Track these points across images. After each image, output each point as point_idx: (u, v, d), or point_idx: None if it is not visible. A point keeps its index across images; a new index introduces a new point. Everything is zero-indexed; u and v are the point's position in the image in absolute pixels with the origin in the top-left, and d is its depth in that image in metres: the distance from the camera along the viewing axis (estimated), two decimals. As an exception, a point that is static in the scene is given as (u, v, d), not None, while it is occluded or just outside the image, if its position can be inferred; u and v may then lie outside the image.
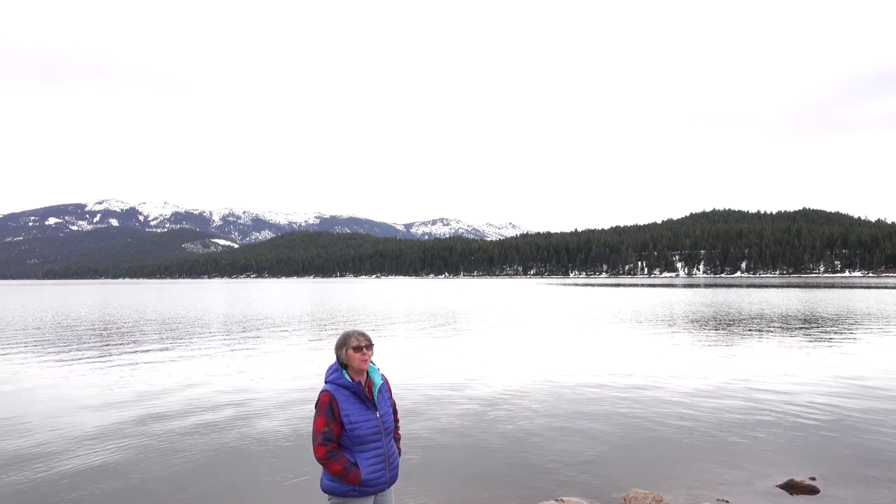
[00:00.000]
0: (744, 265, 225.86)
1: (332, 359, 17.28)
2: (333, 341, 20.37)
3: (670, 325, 25.10)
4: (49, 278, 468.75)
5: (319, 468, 7.17)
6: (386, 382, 4.04)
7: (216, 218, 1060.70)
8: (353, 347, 3.77)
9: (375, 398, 3.86)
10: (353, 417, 3.72)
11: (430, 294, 66.90)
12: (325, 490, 3.82)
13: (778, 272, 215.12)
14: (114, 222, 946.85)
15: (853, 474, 6.84)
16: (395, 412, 4.09)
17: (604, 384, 12.05)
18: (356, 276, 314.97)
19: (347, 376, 3.78)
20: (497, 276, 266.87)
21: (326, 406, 3.67)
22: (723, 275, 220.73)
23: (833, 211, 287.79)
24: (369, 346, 3.82)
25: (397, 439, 4.08)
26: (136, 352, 17.97)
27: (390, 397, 4.05)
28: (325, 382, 3.80)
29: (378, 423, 3.82)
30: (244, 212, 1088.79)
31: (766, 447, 7.86)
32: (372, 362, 3.90)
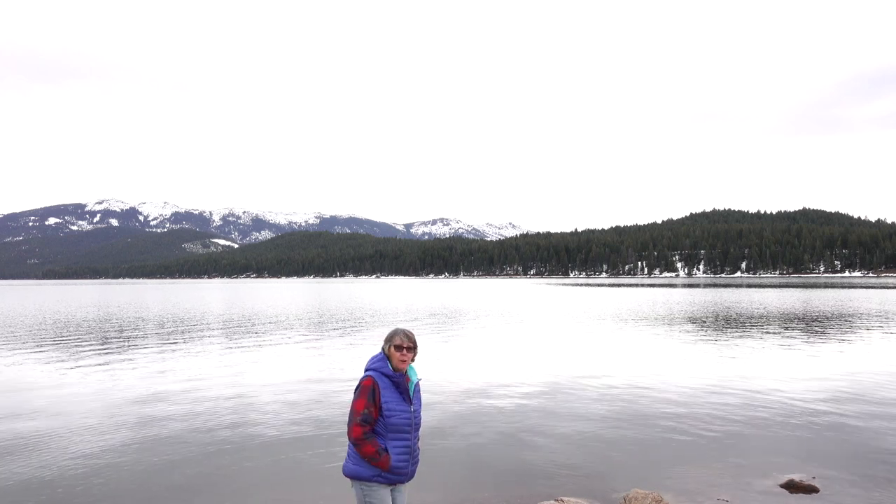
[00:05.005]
0: (744, 265, 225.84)
1: (331, 358, 17.18)
2: (333, 341, 20.41)
3: (670, 325, 25.11)
4: (49, 278, 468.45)
5: (319, 465, 7.19)
6: (418, 384, 4.19)
7: (216, 218, 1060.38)
8: (395, 345, 3.98)
9: (411, 393, 4.06)
10: (392, 406, 3.90)
11: (430, 294, 66.90)
12: (350, 474, 3.93)
13: (778, 272, 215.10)
14: (114, 222, 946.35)
15: (853, 474, 6.84)
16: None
17: (604, 384, 12.05)
18: (356, 276, 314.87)
19: (391, 367, 4.01)
20: (497, 276, 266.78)
21: (369, 390, 3.83)
22: (723, 275, 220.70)
23: (833, 211, 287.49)
24: (411, 348, 4.02)
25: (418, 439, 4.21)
26: (136, 352, 17.95)
27: (420, 398, 4.22)
28: (369, 369, 3.96)
29: (411, 417, 4.00)
30: (244, 212, 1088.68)
31: (766, 447, 7.86)
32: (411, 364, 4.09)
